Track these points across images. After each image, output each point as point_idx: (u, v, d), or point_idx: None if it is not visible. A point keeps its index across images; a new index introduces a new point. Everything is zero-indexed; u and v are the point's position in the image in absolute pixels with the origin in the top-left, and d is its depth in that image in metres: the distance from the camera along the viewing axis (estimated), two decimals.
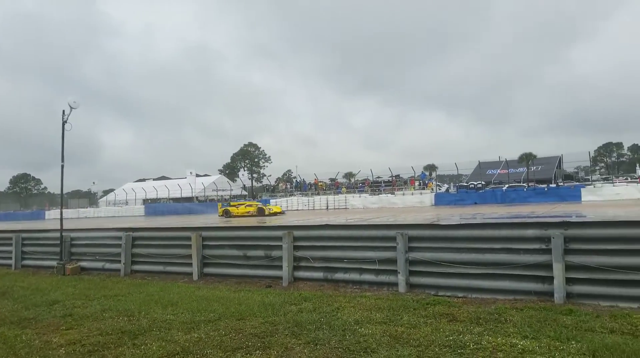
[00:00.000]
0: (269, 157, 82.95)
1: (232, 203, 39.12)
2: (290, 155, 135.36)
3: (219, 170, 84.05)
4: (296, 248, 7.81)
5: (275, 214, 34.05)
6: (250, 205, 36.32)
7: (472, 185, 41.93)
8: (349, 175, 50.85)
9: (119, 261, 9.87)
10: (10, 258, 12.00)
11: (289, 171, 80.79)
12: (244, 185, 65.13)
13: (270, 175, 67.87)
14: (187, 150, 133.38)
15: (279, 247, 7.81)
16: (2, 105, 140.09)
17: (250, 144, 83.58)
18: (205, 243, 8.90)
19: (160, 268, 9.39)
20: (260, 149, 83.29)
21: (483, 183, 42.98)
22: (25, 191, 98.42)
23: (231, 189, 59.77)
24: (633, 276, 5.18)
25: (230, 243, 8.67)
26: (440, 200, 36.84)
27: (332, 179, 50.66)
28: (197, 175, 66.03)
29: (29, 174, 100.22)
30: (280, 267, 7.75)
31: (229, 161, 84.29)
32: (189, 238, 8.93)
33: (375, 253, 6.99)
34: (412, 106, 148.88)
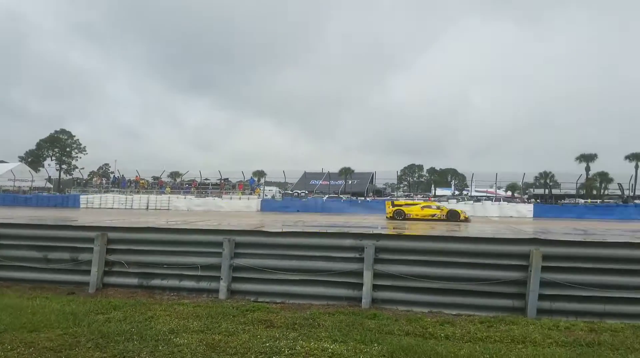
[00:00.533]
0: (84, 147, 74.06)
1: (396, 202, 30.27)
2: (109, 148, 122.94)
3: (19, 157, 72.30)
4: (110, 251, 7.09)
5: (466, 220, 26.33)
6: (429, 206, 28.25)
7: (297, 193, 44.01)
8: (175, 174, 48.83)
9: None
10: None
11: (106, 164, 73.66)
12: (49, 177, 57.39)
13: (83, 168, 61.00)
14: None
15: (90, 250, 6.99)
16: None
17: (62, 131, 73.33)
18: None
19: None
20: (74, 138, 73.90)
21: (306, 191, 45.47)
22: None
23: (32, 181, 51.95)
24: (424, 284, 5.97)
25: (28, 242, 7.44)
26: (266, 206, 37.70)
27: (155, 178, 47.94)
28: None
29: None
30: (88, 272, 6.94)
31: (34, 148, 73.04)
32: None
33: (200, 258, 6.75)
34: (244, 111, 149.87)
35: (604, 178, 47.91)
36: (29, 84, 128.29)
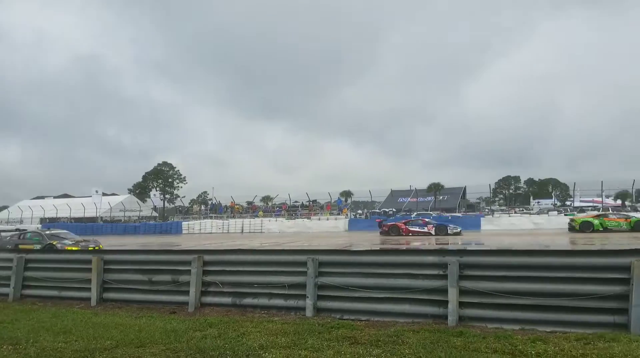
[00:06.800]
0: (184, 177, 80.00)
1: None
2: (204, 176, 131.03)
3: (128, 189, 79.71)
4: (206, 272, 7.63)
5: None
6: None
7: (384, 212, 43.71)
8: (266, 199, 50.69)
9: (8, 285, 9.06)
10: None
11: (205, 192, 78.77)
12: (155, 206, 62.46)
13: (184, 196, 65.61)
14: (88, 168, 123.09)
15: (188, 272, 7.60)
16: None
17: (165, 164, 79.96)
18: (107, 266, 8.42)
19: (55, 292, 8.72)
20: (175, 169, 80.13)
21: (394, 210, 44.98)
22: None
23: (140, 210, 56.93)
24: (515, 301, 5.70)
25: (134, 267, 8.28)
26: (354, 226, 37.85)
27: (249, 203, 50.22)
28: (104, 194, 62.32)
29: None
30: (187, 292, 7.53)
31: (141, 180, 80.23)
32: (89, 261, 8.40)
33: (287, 277, 7.05)
34: (320, 132, 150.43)
35: None
36: (117, 122, 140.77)
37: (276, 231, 39.16)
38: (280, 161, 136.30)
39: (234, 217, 45.27)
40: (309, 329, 5.72)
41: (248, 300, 7.26)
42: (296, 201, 47.19)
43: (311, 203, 45.46)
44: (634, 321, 5.10)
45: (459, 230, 27.94)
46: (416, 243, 22.36)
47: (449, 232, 27.40)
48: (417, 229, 28.13)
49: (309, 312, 6.67)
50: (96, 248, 19.13)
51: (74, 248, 18.07)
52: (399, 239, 25.34)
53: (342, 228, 37.89)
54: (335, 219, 39.88)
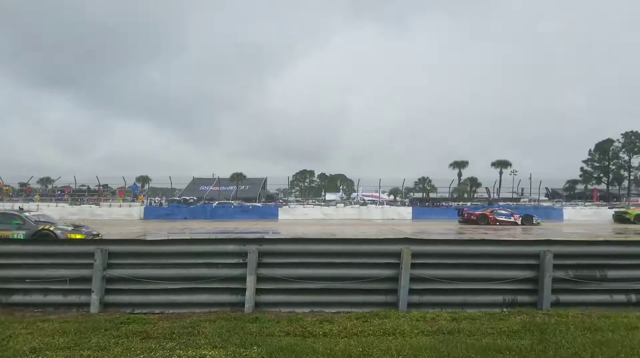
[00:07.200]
0: None
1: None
2: None
3: None
4: None
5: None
6: None
7: (184, 200, 42.50)
8: (45, 180, 44.31)
9: None
10: None
11: None
12: None
13: None
14: None
15: None
16: None
17: None
18: None
19: None
20: None
21: (195, 198, 44.10)
22: None
23: None
24: (306, 286, 6.16)
25: None
26: (150, 214, 35.77)
27: (22, 184, 43.13)
28: None
29: None
30: None
31: None
32: None
33: (68, 270, 6.24)
34: (113, 110, 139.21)
35: (474, 182, 53.37)
36: None
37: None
38: (65, 138, 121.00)
39: (2, 200, 38.23)
40: (94, 326, 5.19)
41: (17, 298, 6.22)
42: (83, 185, 42.27)
43: (101, 187, 41.33)
44: (401, 300, 6.04)
45: (539, 221, 29.03)
46: (502, 233, 22.01)
47: (533, 222, 28.42)
48: (504, 219, 28.64)
49: (94, 308, 6.04)
50: (99, 235, 14.52)
51: (77, 236, 13.15)
52: (477, 228, 25.50)
53: (138, 216, 35.42)
54: (130, 206, 36.99)
